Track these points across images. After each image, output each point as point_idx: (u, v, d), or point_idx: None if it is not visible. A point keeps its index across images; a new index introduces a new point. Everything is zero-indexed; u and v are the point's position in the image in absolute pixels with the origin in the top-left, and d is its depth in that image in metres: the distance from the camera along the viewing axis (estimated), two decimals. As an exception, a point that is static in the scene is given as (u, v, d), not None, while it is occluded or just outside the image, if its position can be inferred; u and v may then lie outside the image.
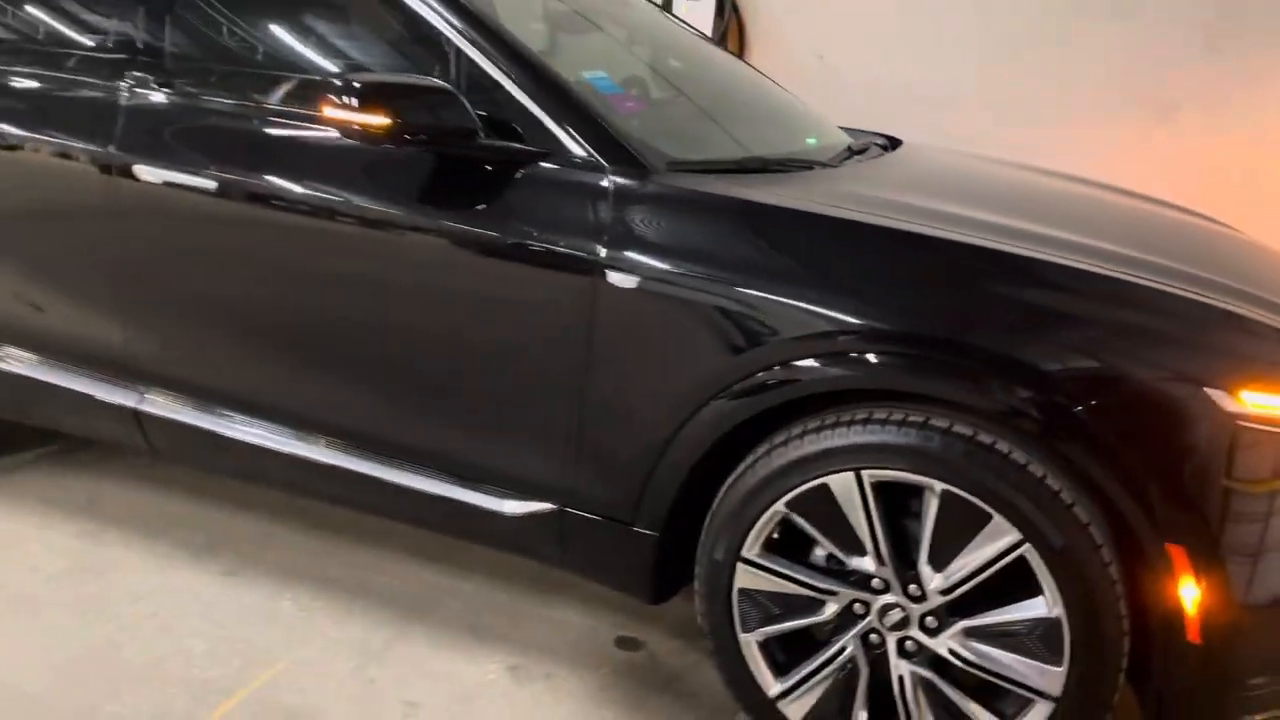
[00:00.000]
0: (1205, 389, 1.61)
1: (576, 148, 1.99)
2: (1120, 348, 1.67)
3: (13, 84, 2.47)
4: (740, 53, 4.94)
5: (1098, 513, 1.68)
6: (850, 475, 1.78)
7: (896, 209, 1.97)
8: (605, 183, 1.95)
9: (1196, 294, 1.76)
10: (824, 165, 2.37)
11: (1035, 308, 1.76)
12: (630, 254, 1.90)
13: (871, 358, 1.75)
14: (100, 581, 2.43)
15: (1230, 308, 1.75)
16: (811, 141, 2.67)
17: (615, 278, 1.89)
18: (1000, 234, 1.90)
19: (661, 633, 2.41)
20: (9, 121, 2.43)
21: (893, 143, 2.89)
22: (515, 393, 2.05)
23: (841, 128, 3.03)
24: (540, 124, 2.00)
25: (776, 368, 1.80)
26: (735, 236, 1.89)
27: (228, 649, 2.23)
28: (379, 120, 1.93)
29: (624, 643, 2.37)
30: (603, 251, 1.90)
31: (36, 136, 2.40)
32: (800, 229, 1.88)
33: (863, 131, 3.06)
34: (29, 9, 2.56)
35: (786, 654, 1.95)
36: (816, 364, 1.78)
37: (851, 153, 2.59)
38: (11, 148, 2.42)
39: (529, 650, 2.31)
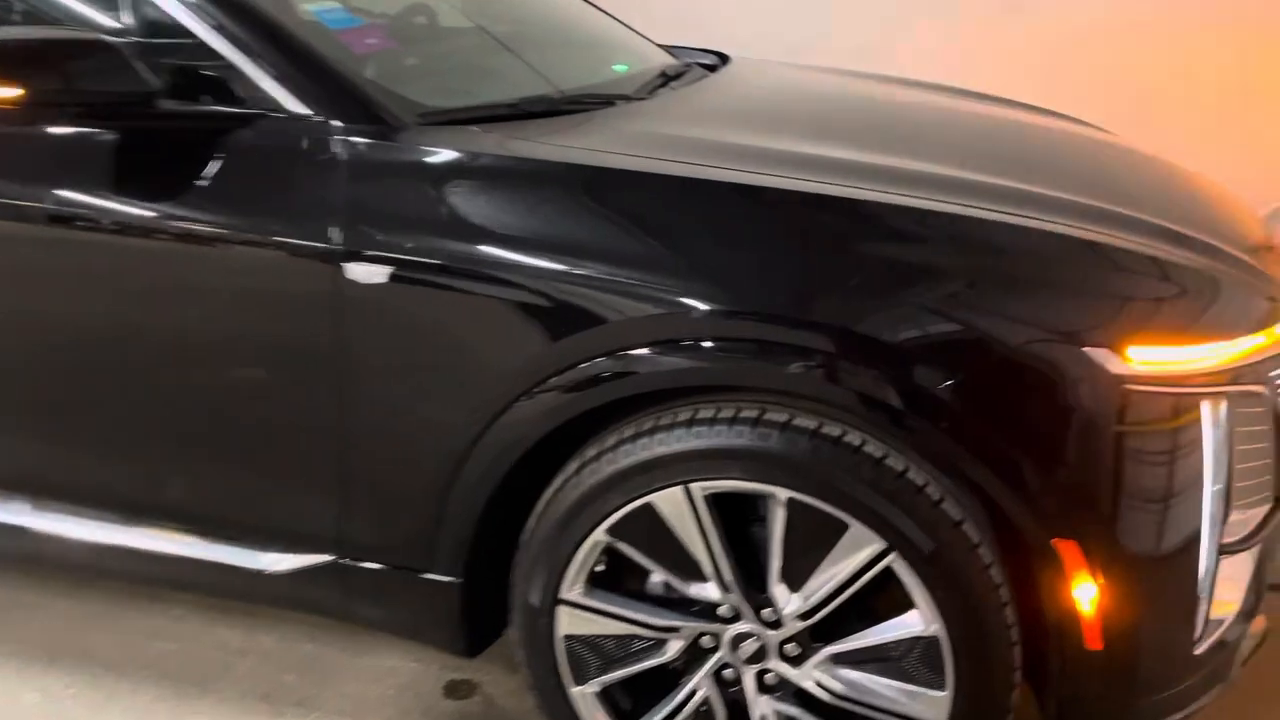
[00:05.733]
0: (1084, 348, 1.31)
1: (293, 104, 1.54)
2: (977, 303, 1.37)
3: None
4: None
5: (972, 506, 1.38)
6: (678, 490, 1.44)
7: (702, 150, 1.60)
8: (334, 148, 1.51)
9: (1066, 227, 1.45)
10: (628, 98, 1.97)
11: (874, 262, 1.42)
12: (375, 238, 1.48)
13: (645, 352, 1.40)
14: None
15: (1107, 240, 1.45)
16: (620, 69, 2.27)
17: (359, 271, 1.48)
18: (830, 171, 1.55)
19: (499, 669, 2.05)
20: None
21: (722, 60, 2.51)
22: (260, 430, 1.62)
23: (666, 47, 2.63)
24: (242, 75, 1.55)
25: (568, 371, 1.43)
26: (493, 204, 1.49)
27: (-54, 776, 1.78)
28: (14, 92, 1.44)
29: (455, 688, 2.00)
30: (338, 238, 1.48)
31: None
32: (576, 190, 1.50)
33: (689, 50, 2.66)
34: None
35: (633, 699, 1.62)
36: (605, 360, 1.41)
37: (667, 79, 2.20)
38: None
39: (339, 715, 1.92)
